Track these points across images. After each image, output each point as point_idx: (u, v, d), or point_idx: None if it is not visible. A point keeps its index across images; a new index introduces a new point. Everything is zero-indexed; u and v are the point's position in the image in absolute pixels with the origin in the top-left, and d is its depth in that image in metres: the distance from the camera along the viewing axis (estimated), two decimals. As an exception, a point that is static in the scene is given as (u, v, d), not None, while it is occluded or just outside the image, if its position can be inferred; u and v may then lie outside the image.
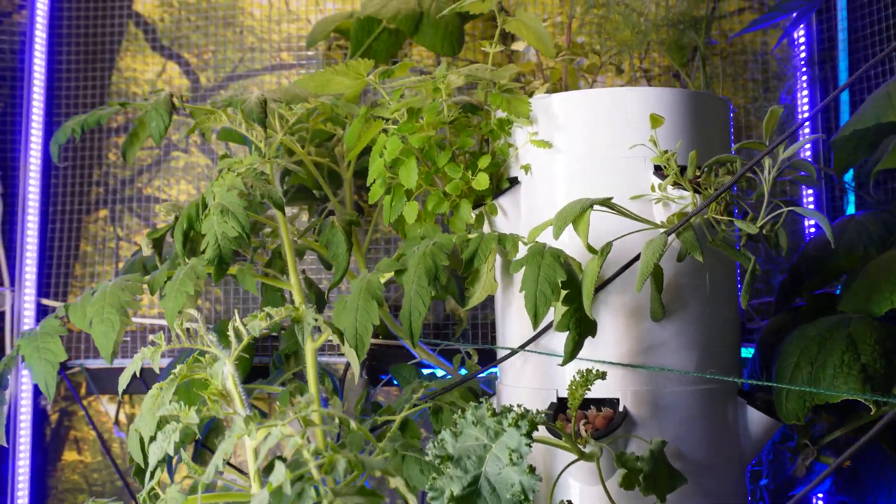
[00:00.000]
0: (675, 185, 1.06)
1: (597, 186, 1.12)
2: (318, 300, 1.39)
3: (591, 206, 0.99)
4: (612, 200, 1.02)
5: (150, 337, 0.92)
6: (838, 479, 1.33)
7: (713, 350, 1.12)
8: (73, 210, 1.96)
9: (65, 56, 1.99)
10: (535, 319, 0.99)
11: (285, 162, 1.18)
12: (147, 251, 1.23)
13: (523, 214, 1.17)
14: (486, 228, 1.19)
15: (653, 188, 1.09)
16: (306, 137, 1.40)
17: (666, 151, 1.05)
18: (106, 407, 1.96)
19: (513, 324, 1.19)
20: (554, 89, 1.46)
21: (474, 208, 1.17)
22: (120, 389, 0.95)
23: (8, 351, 1.86)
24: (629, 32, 1.34)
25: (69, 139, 1.27)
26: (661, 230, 1.05)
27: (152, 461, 0.80)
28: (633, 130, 1.10)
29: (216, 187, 1.11)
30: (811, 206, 1.64)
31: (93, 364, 1.91)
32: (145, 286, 1.15)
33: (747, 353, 1.53)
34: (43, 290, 1.93)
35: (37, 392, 1.90)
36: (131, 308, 1.11)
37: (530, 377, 1.16)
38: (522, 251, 1.07)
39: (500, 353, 1.20)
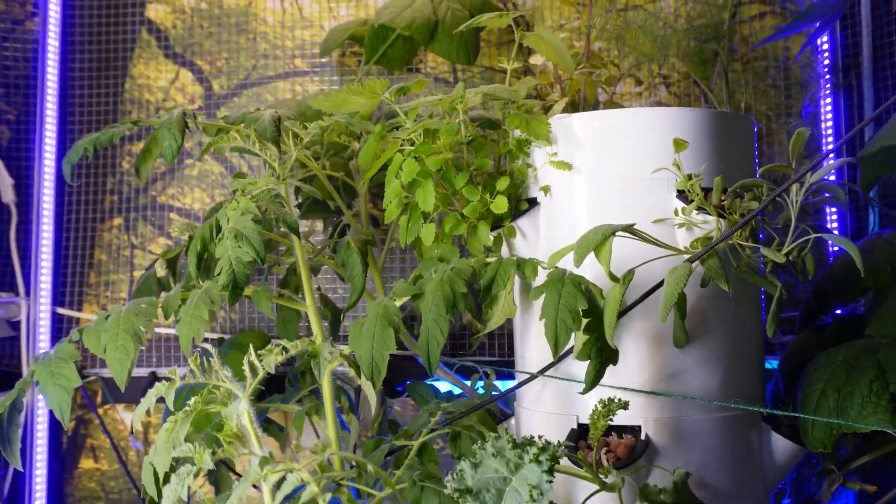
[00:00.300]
0: (699, 209, 1.03)
1: (618, 209, 1.09)
2: (334, 318, 1.37)
3: (614, 234, 0.97)
4: (634, 224, 0.99)
5: (164, 371, 0.90)
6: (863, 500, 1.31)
7: (737, 377, 1.10)
8: (87, 218, 1.96)
9: (78, 64, 1.98)
10: (556, 348, 0.96)
11: (300, 182, 1.17)
12: (161, 272, 1.21)
13: (542, 237, 1.15)
14: (504, 251, 1.17)
15: (676, 212, 1.07)
16: (321, 152, 1.38)
17: (690, 176, 1.03)
18: (122, 415, 1.95)
19: (532, 346, 1.17)
20: (572, 101, 1.43)
21: (492, 230, 1.15)
22: (133, 426, 0.94)
23: (23, 359, 1.86)
24: (649, 45, 1.32)
25: (82, 156, 1.25)
26: (685, 256, 1.02)
27: (166, 503, 0.79)
28: (655, 152, 1.08)
29: (230, 210, 1.10)
30: (835, 223, 1.61)
31: (108, 373, 1.90)
32: (159, 309, 1.14)
33: (769, 364, 1.51)
34: (58, 298, 1.93)
35: (52, 401, 1.89)
36: (147, 330, 1.10)
37: (549, 402, 1.14)
38: (542, 276, 1.05)
39: (519, 377, 1.19)
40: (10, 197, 1.86)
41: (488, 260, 1.08)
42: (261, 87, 1.96)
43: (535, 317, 1.12)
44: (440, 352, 0.99)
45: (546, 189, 1.14)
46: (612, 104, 1.48)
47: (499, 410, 1.33)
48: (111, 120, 1.97)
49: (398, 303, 1.08)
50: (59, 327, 1.92)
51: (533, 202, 1.16)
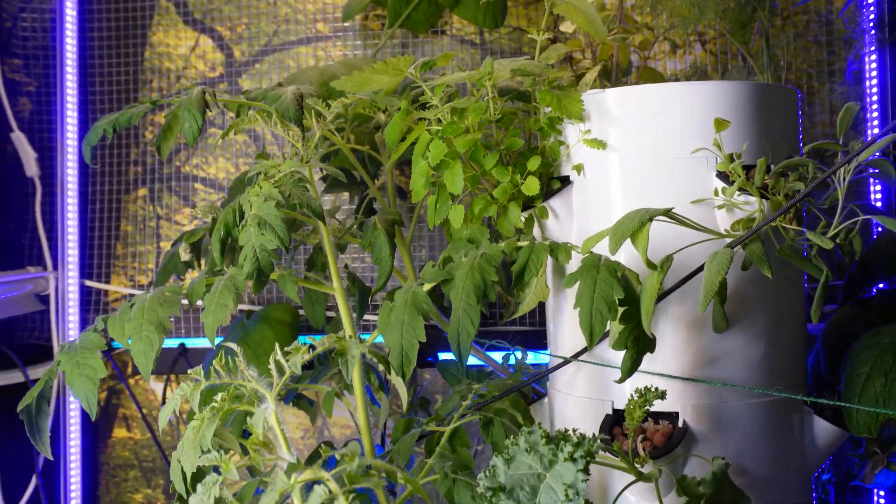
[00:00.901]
0: (741, 190, 0.98)
1: (654, 189, 1.05)
2: (362, 298, 1.35)
3: (651, 220, 0.93)
4: (672, 205, 0.95)
5: (189, 372, 0.88)
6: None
7: (779, 361, 1.06)
8: (112, 190, 1.94)
9: (96, 33, 1.94)
10: (591, 339, 0.93)
11: (322, 164, 1.13)
12: (185, 256, 1.19)
13: (576, 217, 1.11)
14: (536, 231, 1.13)
15: (716, 192, 1.02)
16: (345, 125, 1.34)
17: (732, 157, 0.98)
18: (153, 385, 1.96)
19: (565, 329, 1.14)
20: (604, 68, 1.38)
21: (523, 210, 1.11)
22: (161, 425, 0.93)
23: (53, 333, 1.86)
24: (685, 8, 1.25)
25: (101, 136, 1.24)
26: (726, 240, 0.98)
27: (194, 509, 0.77)
28: (694, 129, 1.03)
29: (252, 196, 1.06)
30: (879, 197, 1.54)
31: (138, 346, 1.90)
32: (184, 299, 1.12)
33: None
34: (85, 271, 1.92)
35: (84, 374, 1.90)
36: (173, 315, 1.08)
37: (583, 386, 1.11)
38: (576, 260, 1.02)
39: (552, 361, 1.16)
40: (33, 171, 1.84)
41: (520, 244, 1.04)
42: (282, 53, 1.91)
43: (569, 300, 1.08)
44: (471, 342, 0.96)
45: (579, 168, 1.09)
46: (646, 70, 1.42)
47: (532, 390, 1.30)
48: (132, 90, 1.94)
49: (426, 287, 1.05)
50: (88, 299, 1.92)
51: (565, 180, 1.12)
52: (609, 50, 1.38)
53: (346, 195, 1.83)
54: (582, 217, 1.10)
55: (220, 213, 1.21)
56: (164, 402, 1.93)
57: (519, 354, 1.32)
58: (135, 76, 1.94)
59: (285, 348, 0.88)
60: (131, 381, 1.95)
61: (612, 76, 1.40)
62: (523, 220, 1.11)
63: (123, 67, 1.94)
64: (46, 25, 1.93)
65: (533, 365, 1.52)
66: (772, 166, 1.01)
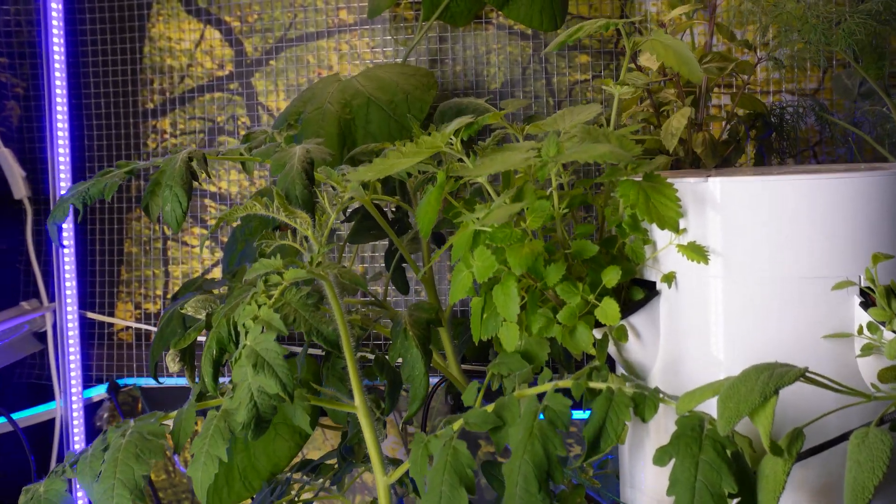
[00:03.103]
0: (898, 335, 0.73)
1: (772, 315, 0.79)
2: (393, 386, 1.12)
3: (777, 392, 0.68)
4: (795, 337, 0.71)
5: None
6: None
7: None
8: (112, 208, 1.71)
9: (88, 25, 1.68)
10: (693, 544, 0.70)
11: (337, 267, 0.89)
12: (174, 367, 0.97)
13: (664, 340, 0.86)
14: (611, 348, 0.89)
15: (860, 330, 0.76)
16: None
17: (890, 292, 0.72)
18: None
19: (646, 488, 0.90)
20: (693, 101, 1.10)
21: (595, 326, 0.86)
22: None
23: (53, 372, 1.66)
24: (807, 29, 0.96)
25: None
26: (875, 404, 0.73)
27: None
28: (828, 240, 0.77)
29: (246, 317, 0.83)
30: None
31: (146, 382, 1.71)
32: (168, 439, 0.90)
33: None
34: (87, 300, 1.71)
35: (88, 410, 1.72)
36: (153, 463, 0.87)
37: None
38: (666, 417, 0.78)
39: (629, 506, 0.92)
40: (22, 192, 1.62)
41: (591, 384, 0.80)
42: (300, 47, 1.64)
43: (648, 449, 0.85)
44: (530, 536, 0.73)
45: (670, 278, 0.84)
46: (744, 97, 1.14)
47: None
48: (131, 93, 1.69)
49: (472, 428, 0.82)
50: (91, 332, 1.72)
51: (650, 288, 0.87)
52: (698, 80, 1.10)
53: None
54: (671, 341, 0.85)
55: (216, 308, 0.98)
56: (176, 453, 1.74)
57: None
58: (133, 76, 1.69)
59: None
60: (142, 420, 1.76)
61: (700, 108, 1.13)
62: (596, 338, 0.86)
63: (120, 66, 1.69)
64: (32, 18, 1.68)
65: None
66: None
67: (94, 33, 1.68)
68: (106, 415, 1.74)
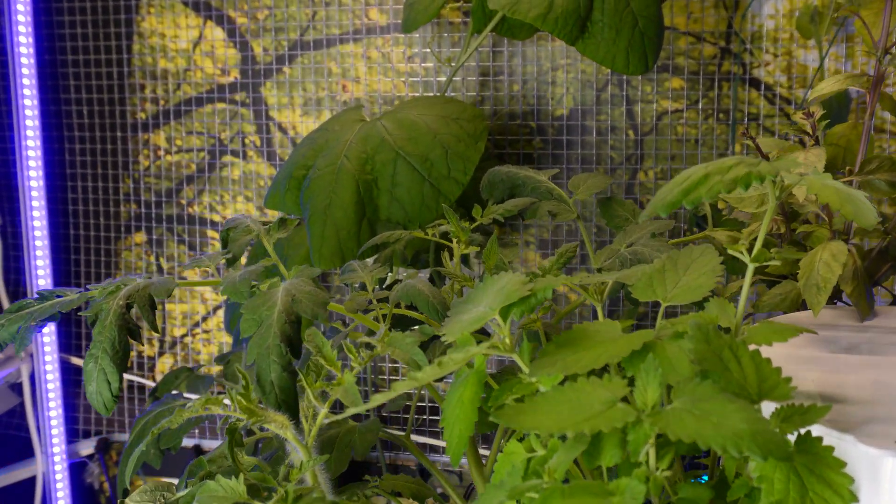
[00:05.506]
0: None
1: None
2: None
3: None
4: None
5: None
6: None
7: None
8: (99, 237, 1.45)
9: (68, 17, 1.38)
10: None
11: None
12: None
13: None
14: None
15: None
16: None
17: None
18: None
19: None
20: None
21: None
22: None
23: (31, 425, 1.44)
24: None
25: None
26: None
27: None
28: None
29: None
30: None
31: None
32: None
33: None
34: (70, 342, 1.47)
35: (73, 469, 1.50)
36: None
37: None
38: None
39: None
40: (-12, 222, 1.36)
41: None
42: (320, 52, 1.33)
43: None
44: None
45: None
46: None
47: None
48: (118, 103, 1.40)
49: None
50: (73, 380, 1.48)
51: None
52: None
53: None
54: None
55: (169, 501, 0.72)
56: None
57: None
58: (120, 81, 1.40)
59: None
60: (139, 482, 1.54)
61: (850, 235, 0.81)
62: None
63: (105, 68, 1.40)
64: (-2, 7, 1.38)
65: None
66: None
67: (72, 26, 1.39)
68: (97, 471, 1.51)
